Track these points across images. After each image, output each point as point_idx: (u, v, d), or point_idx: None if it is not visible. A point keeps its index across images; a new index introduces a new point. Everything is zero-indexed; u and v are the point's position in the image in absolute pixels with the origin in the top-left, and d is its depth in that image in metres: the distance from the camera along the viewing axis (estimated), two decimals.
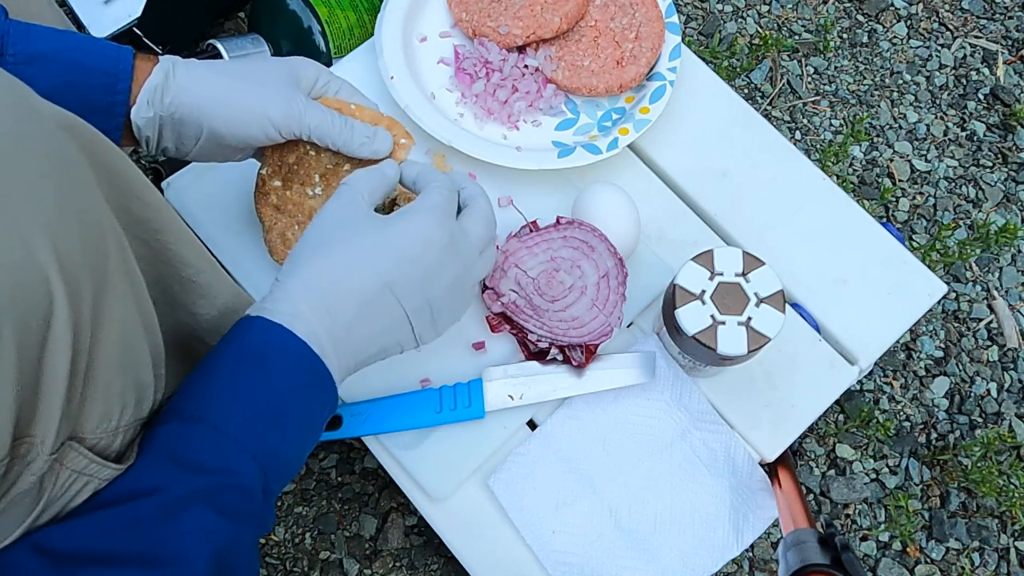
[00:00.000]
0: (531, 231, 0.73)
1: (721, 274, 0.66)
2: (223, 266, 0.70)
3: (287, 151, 0.67)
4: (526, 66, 0.82)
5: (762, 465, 0.72)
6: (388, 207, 0.73)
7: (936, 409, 1.05)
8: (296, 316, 0.54)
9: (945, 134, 1.20)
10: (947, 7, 1.28)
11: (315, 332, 0.54)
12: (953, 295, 1.10)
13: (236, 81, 0.61)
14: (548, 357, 0.71)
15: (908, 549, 0.98)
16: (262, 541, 0.94)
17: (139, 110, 0.59)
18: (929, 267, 0.80)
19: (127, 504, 0.46)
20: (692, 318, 0.65)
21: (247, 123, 0.61)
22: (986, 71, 1.24)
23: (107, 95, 0.58)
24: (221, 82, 0.61)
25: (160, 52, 0.62)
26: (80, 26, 1.05)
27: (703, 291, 0.65)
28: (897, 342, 1.02)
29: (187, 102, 0.60)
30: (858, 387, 1.05)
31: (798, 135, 1.18)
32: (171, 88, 0.60)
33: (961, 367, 1.07)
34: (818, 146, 1.17)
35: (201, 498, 0.47)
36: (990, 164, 1.18)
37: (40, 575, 0.43)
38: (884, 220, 1.13)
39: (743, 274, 0.66)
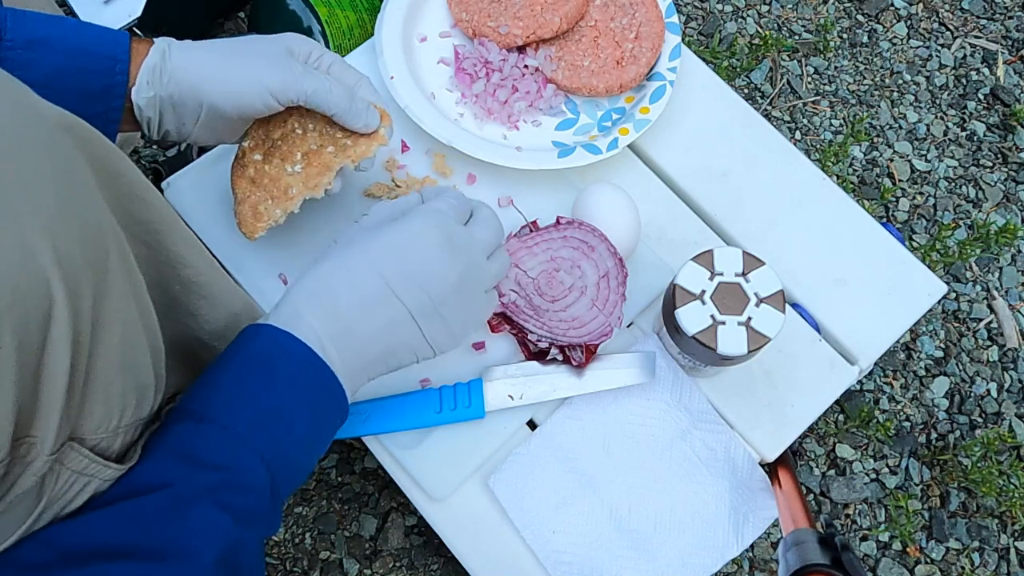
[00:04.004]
0: (531, 231, 0.73)
1: (721, 274, 0.66)
2: (223, 267, 0.70)
3: (273, 126, 0.67)
4: (526, 66, 0.82)
5: (762, 465, 0.72)
6: None
7: (936, 409, 1.05)
8: (298, 320, 0.55)
9: (945, 134, 1.20)
10: (947, 7, 1.28)
11: (316, 334, 0.55)
12: (953, 295, 1.10)
13: (231, 55, 0.62)
14: (548, 357, 0.71)
15: (908, 549, 0.98)
16: None
17: (139, 90, 0.60)
18: (929, 267, 0.80)
19: (135, 499, 0.46)
20: (692, 318, 0.65)
21: (245, 93, 0.61)
22: (986, 71, 1.24)
23: (106, 77, 0.58)
24: (217, 58, 0.62)
25: None
26: None
27: (703, 291, 0.65)
28: (897, 342, 1.02)
29: (185, 79, 0.60)
30: (858, 387, 1.05)
31: (798, 135, 1.18)
32: (168, 67, 0.60)
33: (961, 367, 1.07)
34: (818, 146, 1.17)
35: (209, 495, 0.47)
36: (990, 164, 1.18)
37: (49, 570, 0.43)
38: (884, 220, 1.13)
39: (743, 274, 0.66)
